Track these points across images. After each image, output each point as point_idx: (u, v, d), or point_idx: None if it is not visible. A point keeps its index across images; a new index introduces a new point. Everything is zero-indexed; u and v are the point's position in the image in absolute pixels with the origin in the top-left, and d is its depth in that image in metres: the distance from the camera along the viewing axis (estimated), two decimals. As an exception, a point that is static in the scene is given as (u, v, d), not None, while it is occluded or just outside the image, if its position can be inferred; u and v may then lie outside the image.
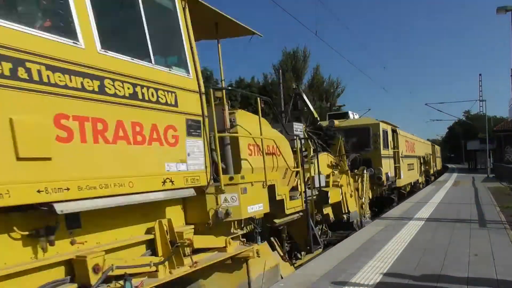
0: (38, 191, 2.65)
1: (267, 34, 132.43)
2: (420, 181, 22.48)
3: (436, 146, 35.68)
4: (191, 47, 4.36)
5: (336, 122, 12.77)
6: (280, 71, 51.78)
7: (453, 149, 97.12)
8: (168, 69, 4.02)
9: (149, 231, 3.86)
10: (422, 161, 23.41)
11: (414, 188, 20.09)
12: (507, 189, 18.58)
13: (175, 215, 4.27)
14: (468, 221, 9.41)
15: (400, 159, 15.92)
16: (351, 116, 15.33)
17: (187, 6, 4.38)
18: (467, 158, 59.90)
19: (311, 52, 78.86)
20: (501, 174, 27.60)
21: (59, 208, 2.78)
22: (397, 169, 15.49)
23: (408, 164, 18.22)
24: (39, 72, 2.75)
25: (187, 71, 4.28)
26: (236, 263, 4.84)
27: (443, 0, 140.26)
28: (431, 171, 28.02)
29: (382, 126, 13.96)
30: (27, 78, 2.66)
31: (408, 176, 18.14)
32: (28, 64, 2.68)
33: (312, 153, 8.51)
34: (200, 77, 4.39)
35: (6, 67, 2.55)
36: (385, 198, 14.75)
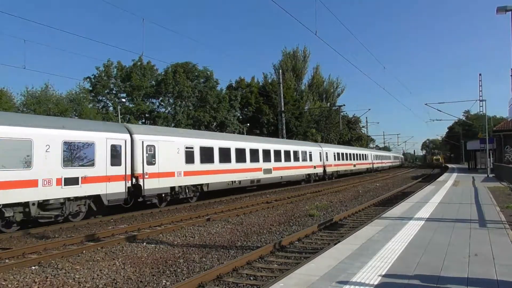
0: None
1: (267, 34, 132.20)
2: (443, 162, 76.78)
3: (441, 154, 70.52)
4: None
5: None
6: (280, 71, 51.87)
7: (453, 149, 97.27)
8: None
9: None
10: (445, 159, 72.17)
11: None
12: (507, 189, 18.59)
13: None
14: (468, 221, 9.41)
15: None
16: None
17: None
18: (467, 158, 59.97)
19: (311, 52, 78.71)
20: (501, 174, 27.60)
21: None
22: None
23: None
24: None
25: None
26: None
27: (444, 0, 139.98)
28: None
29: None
30: None
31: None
32: None
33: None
34: None
35: None
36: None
